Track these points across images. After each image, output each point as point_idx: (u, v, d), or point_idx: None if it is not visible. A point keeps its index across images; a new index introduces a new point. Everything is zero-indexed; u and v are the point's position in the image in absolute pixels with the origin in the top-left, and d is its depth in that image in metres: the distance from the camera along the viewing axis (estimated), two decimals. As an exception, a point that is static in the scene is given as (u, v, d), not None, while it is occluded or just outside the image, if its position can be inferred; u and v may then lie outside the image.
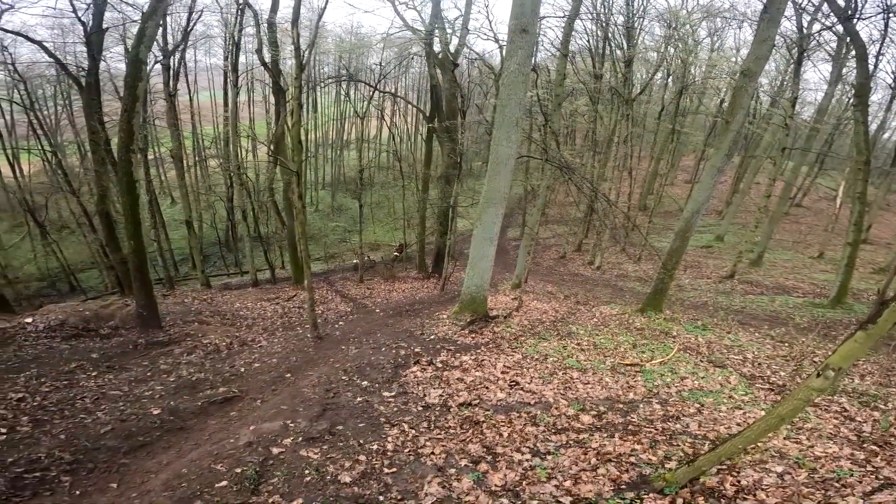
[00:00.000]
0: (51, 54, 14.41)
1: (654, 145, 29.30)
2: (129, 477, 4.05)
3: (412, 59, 16.23)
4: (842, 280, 12.98)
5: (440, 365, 6.34)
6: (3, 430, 4.69)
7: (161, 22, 17.16)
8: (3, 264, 21.39)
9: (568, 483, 3.48)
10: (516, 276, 15.57)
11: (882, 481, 3.48)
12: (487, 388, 5.55)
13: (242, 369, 7.31)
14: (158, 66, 18.30)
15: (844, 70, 19.66)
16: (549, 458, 3.85)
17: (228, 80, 18.87)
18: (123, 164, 7.83)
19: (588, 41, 22.50)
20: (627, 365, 6.91)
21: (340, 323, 11.31)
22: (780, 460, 3.84)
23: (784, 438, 4.29)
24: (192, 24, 17.89)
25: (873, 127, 30.72)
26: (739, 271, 17.98)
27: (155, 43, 17.73)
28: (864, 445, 4.20)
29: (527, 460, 3.78)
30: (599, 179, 22.58)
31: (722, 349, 8.18)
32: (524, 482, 3.45)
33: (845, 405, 5.32)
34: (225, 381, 6.65)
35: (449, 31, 13.67)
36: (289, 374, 6.91)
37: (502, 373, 6.08)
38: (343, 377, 5.93)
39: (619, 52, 20.68)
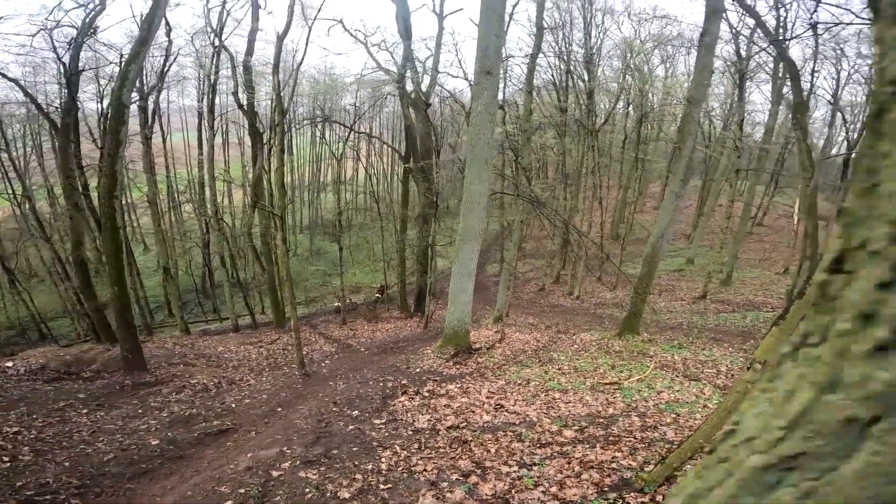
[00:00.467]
0: (27, 93, 14.29)
1: (620, 174, 30.53)
2: (137, 500, 4.23)
3: (386, 98, 16.90)
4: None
5: (427, 394, 6.53)
6: (6, 459, 4.80)
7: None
8: None
9: (554, 489, 3.71)
10: (497, 309, 15.86)
11: None
12: (473, 411, 5.76)
13: (234, 405, 7.38)
14: (134, 107, 18.44)
15: (785, 89, 20.55)
16: (535, 468, 4.08)
17: (204, 122, 19.09)
18: (107, 211, 7.94)
19: (552, 75, 23.86)
20: (607, 384, 7.21)
21: (326, 362, 11.37)
22: None
23: None
24: (167, 66, 18.03)
25: (821, 143, 33.22)
26: (711, 291, 18.69)
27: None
28: None
29: (514, 472, 4.00)
30: (572, 211, 23.47)
31: (697, 364, 8.54)
32: (513, 490, 3.67)
33: None
34: (217, 416, 6.75)
35: (420, 71, 14.45)
36: (280, 409, 7.01)
37: (487, 397, 6.31)
38: (334, 408, 6.06)
39: (581, 83, 21.95)
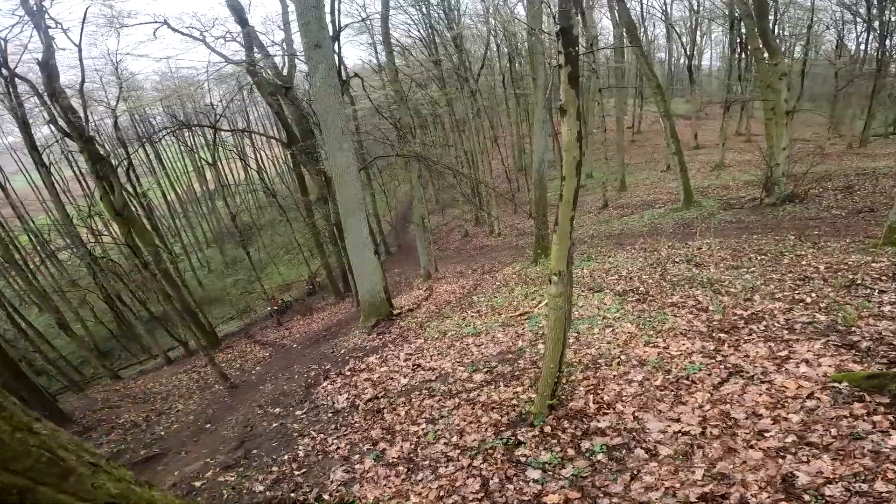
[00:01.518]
0: None
1: (508, 112, 31.24)
2: None
3: (251, 90, 15.74)
4: (683, 183, 15.05)
5: (348, 373, 6.62)
6: None
7: None
8: None
9: (455, 438, 3.95)
10: (423, 267, 16.07)
11: (729, 370, 3.88)
12: (392, 378, 5.93)
13: (163, 433, 7.34)
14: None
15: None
16: (441, 421, 4.32)
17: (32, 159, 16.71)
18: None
19: (419, 30, 23.43)
20: (518, 316, 7.54)
21: (257, 368, 11.11)
22: (640, 368, 4.28)
23: (644, 345, 4.78)
24: None
25: (661, 56, 36.93)
26: (610, 199, 20.03)
27: None
28: (714, 335, 4.63)
29: (421, 429, 4.23)
30: (475, 154, 23.83)
31: (601, 274, 9.02)
32: (418, 448, 3.89)
33: (699, 297, 5.90)
34: (146, 446, 6.74)
35: (275, 55, 13.55)
36: (209, 425, 6.94)
37: (405, 361, 6.49)
38: (259, 411, 6.06)
39: (448, 34, 21.77)
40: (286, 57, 13.77)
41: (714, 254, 8.35)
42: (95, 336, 25.43)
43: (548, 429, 3.72)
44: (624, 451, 3.27)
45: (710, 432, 3.19)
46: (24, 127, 15.12)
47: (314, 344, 11.76)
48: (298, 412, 5.55)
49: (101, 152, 15.73)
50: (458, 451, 3.77)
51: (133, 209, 17.45)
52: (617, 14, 16.10)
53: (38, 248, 27.43)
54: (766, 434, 3.03)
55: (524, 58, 28.86)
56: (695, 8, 28.44)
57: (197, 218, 41.69)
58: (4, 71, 13.60)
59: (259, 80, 13.43)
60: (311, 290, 24.53)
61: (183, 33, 13.10)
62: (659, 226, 13.61)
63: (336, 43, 13.90)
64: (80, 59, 14.78)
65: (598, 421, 3.67)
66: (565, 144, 2.93)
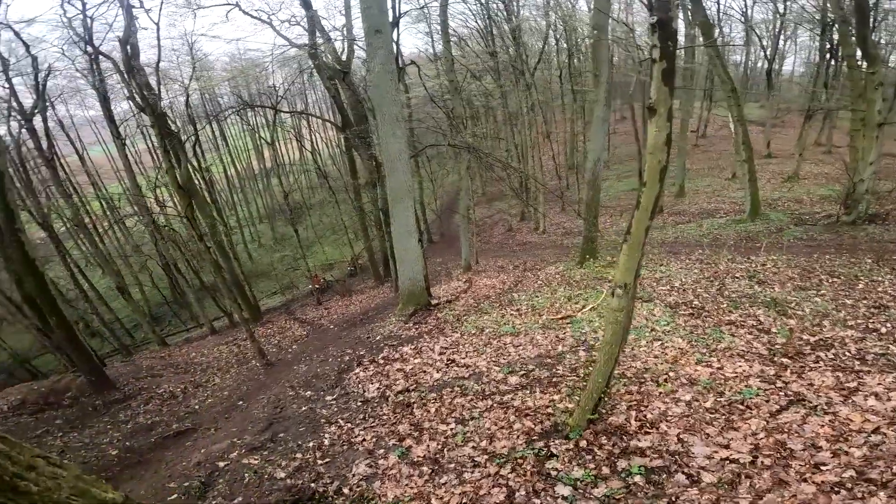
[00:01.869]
0: None
1: (563, 108, 30.43)
2: None
3: (312, 73, 16.00)
4: (751, 194, 14.03)
5: (382, 361, 6.57)
6: None
7: (8, 86, 16.08)
8: None
9: (484, 443, 3.78)
10: (464, 259, 15.95)
11: (790, 398, 3.60)
12: (425, 371, 5.82)
13: (197, 406, 7.60)
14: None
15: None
16: (471, 423, 4.15)
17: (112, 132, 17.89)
18: (15, 246, 7.48)
19: (476, 22, 23.08)
20: (559, 319, 7.25)
21: (294, 346, 11.37)
22: (689, 387, 4.00)
23: (696, 364, 4.47)
24: (41, 82, 16.62)
25: (741, 58, 34.61)
26: (667, 205, 19.03)
27: (12, 108, 16.62)
28: (776, 359, 4.31)
29: (450, 429, 4.08)
30: (525, 148, 23.34)
31: (652, 283, 8.55)
32: (444, 449, 3.74)
33: (760, 317, 5.48)
34: (179, 420, 7.01)
35: (335, 39, 13.68)
36: (241, 402, 7.11)
37: (440, 354, 6.37)
38: (290, 393, 6.11)
39: (506, 26, 21.30)
40: (346, 42, 13.88)
41: (780, 272, 7.75)
42: (150, 301, 27.06)
43: (583, 443, 3.50)
44: (664, 475, 3.04)
45: (762, 462, 2.95)
46: (105, 102, 16.16)
47: (351, 327, 11.90)
48: (329, 397, 5.55)
49: (172, 128, 16.54)
50: (486, 456, 3.61)
51: (196, 183, 18.32)
52: (690, 14, 15.09)
53: (108, 213, 29.43)
54: (823, 467, 2.81)
55: (584, 54, 28.01)
56: (780, 11, 26.49)
57: (253, 194, 43.38)
58: (90, 48, 14.48)
59: (319, 64, 13.62)
60: (352, 271, 24.95)
61: (252, 16, 13.47)
62: (719, 237, 12.78)
63: (395, 29, 13.88)
64: (158, 39, 15.56)
65: (639, 440, 3.43)
66: (651, 147, 2.68)
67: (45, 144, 17.40)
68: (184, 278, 19.00)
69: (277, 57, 13.40)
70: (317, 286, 20.58)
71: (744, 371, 4.15)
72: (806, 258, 8.45)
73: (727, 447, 3.16)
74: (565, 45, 26.04)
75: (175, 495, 3.82)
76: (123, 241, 29.22)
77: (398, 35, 13.50)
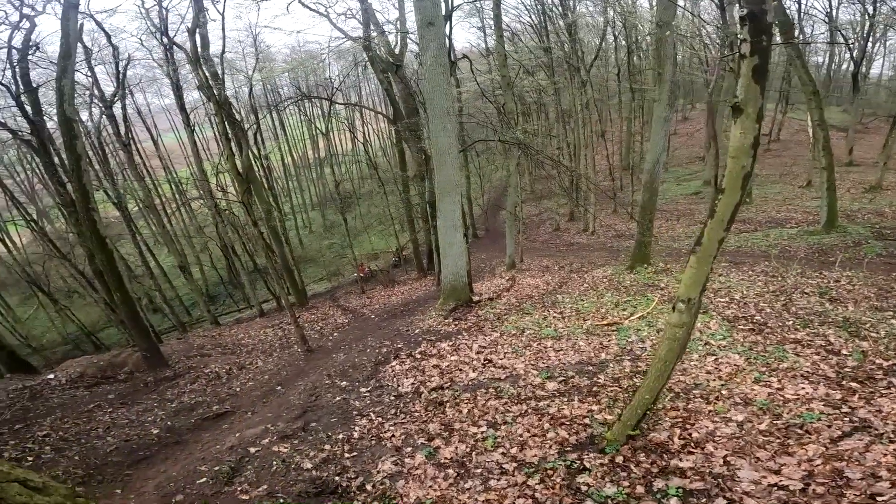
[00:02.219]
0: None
1: (620, 106, 29.34)
2: (131, 484, 4.69)
3: (366, 66, 16.28)
4: (828, 204, 12.87)
5: (418, 356, 6.54)
6: (31, 458, 5.60)
7: (90, 74, 17.16)
8: (25, 334, 22.00)
9: (514, 450, 3.64)
10: (508, 256, 15.72)
11: (854, 424, 3.32)
12: (461, 369, 5.73)
13: (238, 389, 7.79)
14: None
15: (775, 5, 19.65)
16: (503, 428, 4.01)
17: (182, 120, 18.97)
18: (88, 223, 8.07)
19: (530, 17, 22.57)
20: (604, 325, 6.95)
21: (335, 334, 11.59)
22: (743, 407, 3.74)
23: (753, 382, 4.18)
24: (121, 71, 17.71)
25: (823, 59, 32.08)
26: (730, 211, 17.91)
27: (94, 95, 17.80)
28: (843, 383, 3.99)
29: (481, 432, 3.96)
30: (578, 147, 22.67)
31: (709, 293, 7.94)
32: (473, 452, 3.64)
33: (830, 337, 5.07)
34: (220, 401, 7.19)
35: (389, 32, 13.78)
36: (280, 387, 7.28)
37: (477, 353, 6.26)
38: (327, 381, 6.20)
39: (561, 21, 20.69)
40: (399, 35, 13.97)
41: (855, 289, 7.05)
42: (208, 281, 28.63)
43: (619, 459, 3.30)
44: (703, 499, 2.83)
45: (814, 490, 2.71)
46: (177, 90, 17.17)
47: (391, 318, 12.01)
48: (363, 389, 5.58)
49: (236, 117, 17.33)
50: (514, 464, 3.48)
51: (256, 170, 19.12)
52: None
53: (177, 196, 31.43)
54: (879, 498, 2.56)
55: (644, 52, 26.75)
56: (869, 12, 24.21)
57: (307, 182, 44.96)
58: (165, 39, 15.36)
59: (373, 56, 13.81)
60: (396, 262, 25.28)
61: (311, 8, 13.82)
62: (788, 248, 11.84)
63: (448, 23, 13.82)
64: (223, 29, 16.29)
65: (681, 460, 3.20)
66: (734, 150, 2.45)
67: (122, 130, 18.65)
68: (239, 260, 19.95)
69: (333, 49, 13.65)
70: (362, 275, 21.01)
71: (807, 394, 3.83)
72: (885, 276, 7.69)
73: (777, 473, 2.93)
74: (624, 43, 24.98)
75: (204, 479, 3.93)
76: (188, 223, 31.08)
77: (451, 29, 13.41)
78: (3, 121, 13.64)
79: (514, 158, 14.00)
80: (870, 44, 28.31)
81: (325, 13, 13.60)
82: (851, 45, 26.05)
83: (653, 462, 3.22)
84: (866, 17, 24.40)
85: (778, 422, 3.48)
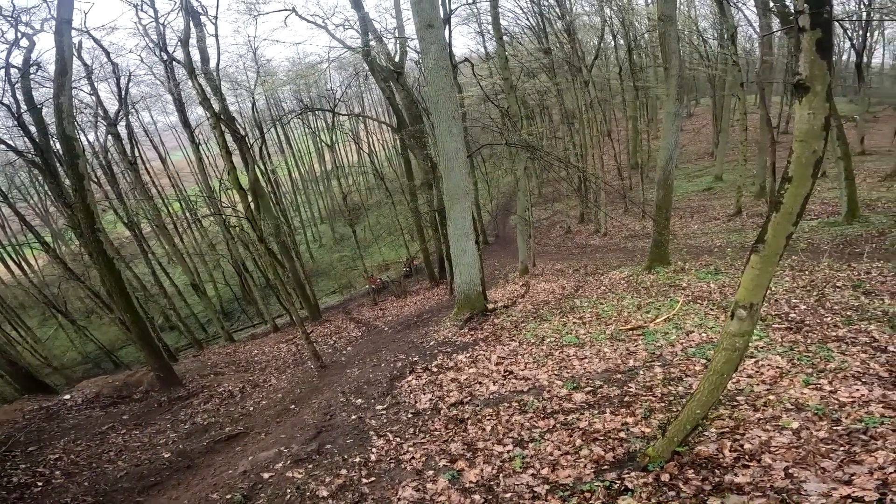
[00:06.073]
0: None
1: (624, 105, 29.12)
2: None
3: (367, 76, 16.22)
4: (848, 193, 12.51)
5: (435, 369, 6.29)
6: (41, 483, 5.46)
7: (93, 93, 17.14)
8: (45, 355, 22.15)
9: (545, 470, 3.36)
10: (521, 262, 15.45)
11: None
12: (481, 382, 5.47)
13: (251, 408, 7.64)
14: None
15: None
16: (531, 445, 3.74)
17: (185, 137, 18.93)
18: (94, 245, 7.96)
19: (527, 19, 22.49)
20: (629, 330, 6.62)
21: (349, 348, 11.39)
22: (796, 413, 3.47)
23: (802, 385, 3.91)
24: (122, 88, 17.64)
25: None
26: (745, 206, 17.53)
27: (98, 114, 17.82)
28: None
29: (507, 452, 3.68)
30: (585, 147, 22.40)
31: (734, 291, 7.73)
32: (500, 475, 3.36)
33: (874, 334, 4.76)
34: (233, 422, 7.08)
35: (388, 40, 13.74)
36: (293, 406, 7.11)
37: (496, 364, 5.99)
38: (341, 399, 5.98)
39: (559, 23, 20.53)
40: (398, 43, 13.93)
41: (888, 281, 6.69)
42: (222, 297, 28.68)
43: (665, 477, 3.01)
44: None
45: (892, 500, 2.45)
46: (180, 105, 17.18)
47: (405, 329, 11.78)
48: (379, 406, 5.35)
49: (240, 132, 17.30)
50: (547, 487, 3.19)
51: (263, 185, 19.09)
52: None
53: (187, 214, 31.65)
54: None
55: (644, 49, 26.46)
56: (865, 3, 23.85)
57: (314, 195, 45.10)
58: (164, 54, 15.41)
59: (373, 64, 13.73)
60: (407, 272, 25.14)
61: (308, 20, 13.84)
62: (811, 241, 11.43)
63: (446, 27, 13.76)
64: (217, 38, 16.16)
65: (736, 474, 2.91)
66: (802, 133, 2.16)
67: (128, 149, 18.68)
68: (251, 277, 19.88)
69: (334, 59, 13.64)
70: (373, 286, 20.85)
71: (862, 396, 3.53)
72: (923, 264, 7.25)
73: (849, 483, 2.66)
74: (622, 42, 24.80)
75: None
76: (200, 241, 31.26)
77: (450, 34, 13.35)
78: (10, 142, 13.64)
79: (522, 162, 13.79)
80: (869, 35, 28.03)
81: (324, 24, 13.62)
82: (851, 37, 25.86)
83: (704, 479, 2.93)
84: (863, 8, 24.06)
85: (838, 427, 3.19)
